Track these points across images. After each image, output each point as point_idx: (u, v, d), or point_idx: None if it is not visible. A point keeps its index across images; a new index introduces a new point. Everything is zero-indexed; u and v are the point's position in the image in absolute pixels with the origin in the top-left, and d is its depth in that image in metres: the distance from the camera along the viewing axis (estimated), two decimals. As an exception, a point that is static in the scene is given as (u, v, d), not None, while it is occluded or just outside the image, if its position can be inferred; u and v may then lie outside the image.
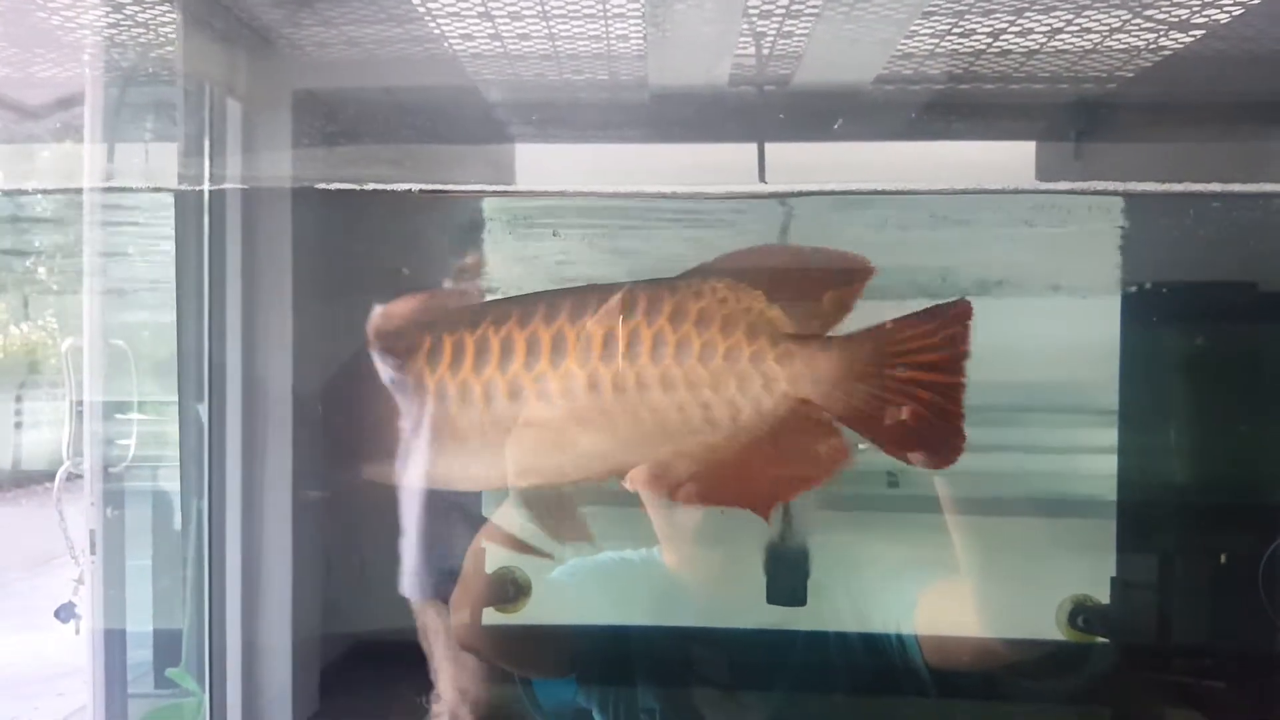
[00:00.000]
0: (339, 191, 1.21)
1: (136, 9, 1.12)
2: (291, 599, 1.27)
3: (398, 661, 1.30)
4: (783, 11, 0.98)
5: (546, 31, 1.12)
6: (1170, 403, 1.26)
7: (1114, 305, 1.19)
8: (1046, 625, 1.12)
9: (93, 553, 1.30)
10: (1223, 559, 1.23)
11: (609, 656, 1.23)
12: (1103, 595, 1.14)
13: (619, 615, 1.26)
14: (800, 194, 1.13)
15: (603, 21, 1.07)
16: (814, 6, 0.99)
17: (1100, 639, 1.12)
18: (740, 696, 1.22)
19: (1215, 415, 1.25)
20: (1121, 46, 1.10)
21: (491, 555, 1.29)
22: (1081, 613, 1.11)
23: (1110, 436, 1.20)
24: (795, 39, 1.06)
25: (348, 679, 1.38)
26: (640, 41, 1.10)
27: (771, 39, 1.07)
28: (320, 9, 1.12)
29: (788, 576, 1.07)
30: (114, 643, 1.32)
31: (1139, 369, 1.19)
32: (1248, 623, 1.23)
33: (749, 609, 1.14)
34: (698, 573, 1.14)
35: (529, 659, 1.24)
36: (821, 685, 1.19)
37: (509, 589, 1.23)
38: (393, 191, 1.19)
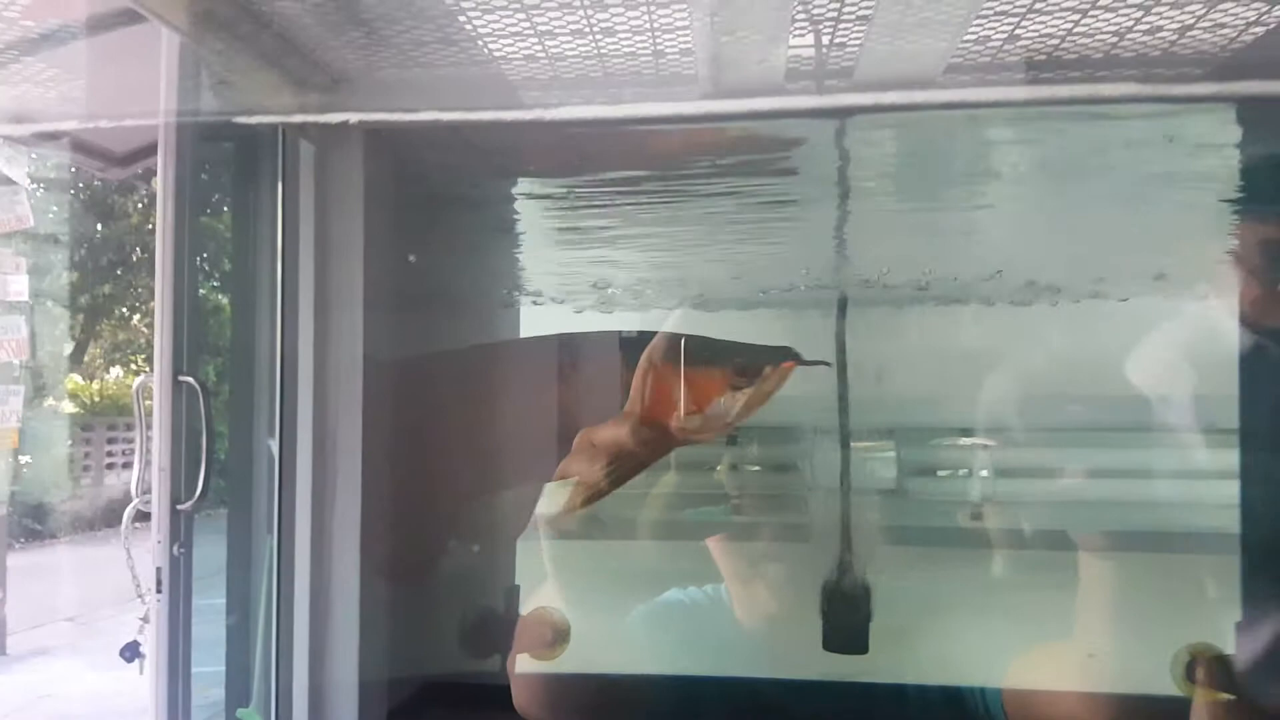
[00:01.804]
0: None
1: (210, 54, 1.14)
2: (359, 639, 1.25)
3: (464, 704, 1.26)
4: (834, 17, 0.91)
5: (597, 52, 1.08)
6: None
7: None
8: (1162, 679, 0.98)
9: (159, 591, 1.31)
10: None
11: (670, 707, 1.15)
12: (1226, 644, 0.99)
13: (685, 657, 1.18)
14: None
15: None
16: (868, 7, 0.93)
17: (1223, 694, 0.97)
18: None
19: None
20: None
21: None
22: (1200, 664, 0.96)
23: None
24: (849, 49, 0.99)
25: (415, 720, 1.34)
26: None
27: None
28: (392, 47, 1.12)
29: (846, 620, 0.95)
30: (178, 682, 1.32)
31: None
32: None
33: (811, 656, 1.04)
34: (763, 614, 1.06)
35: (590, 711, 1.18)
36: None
37: (547, 633, 1.18)
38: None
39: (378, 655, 1.30)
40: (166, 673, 1.30)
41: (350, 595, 1.25)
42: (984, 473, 1.11)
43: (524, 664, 1.27)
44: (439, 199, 1.37)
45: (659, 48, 1.08)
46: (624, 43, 1.06)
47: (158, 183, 1.26)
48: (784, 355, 0.97)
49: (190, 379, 1.33)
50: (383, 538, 1.29)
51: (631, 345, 1.07)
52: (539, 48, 1.09)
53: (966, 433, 1.09)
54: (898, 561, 1.03)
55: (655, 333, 1.04)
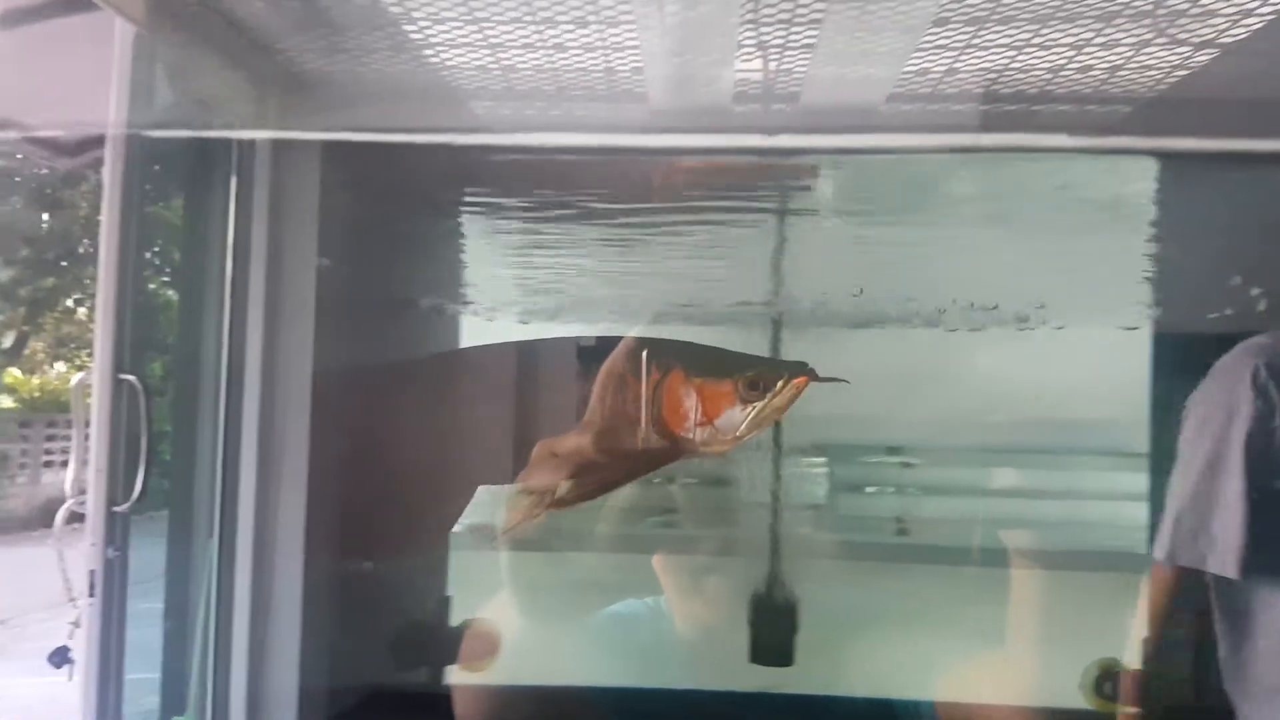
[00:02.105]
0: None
1: (166, 48, 1.13)
2: (300, 646, 1.24)
3: (404, 713, 1.26)
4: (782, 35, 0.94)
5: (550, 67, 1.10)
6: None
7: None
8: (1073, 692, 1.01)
9: (91, 594, 1.28)
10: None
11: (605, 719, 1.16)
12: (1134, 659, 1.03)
13: (626, 669, 1.20)
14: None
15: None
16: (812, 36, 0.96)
17: (1130, 708, 1.01)
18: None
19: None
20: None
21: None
22: (1109, 679, 1.00)
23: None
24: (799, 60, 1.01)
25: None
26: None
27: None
28: (343, 51, 1.12)
29: (772, 633, 0.98)
30: (109, 688, 1.29)
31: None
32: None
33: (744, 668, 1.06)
34: (698, 626, 1.08)
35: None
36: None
37: (479, 646, 1.18)
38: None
39: (319, 663, 1.28)
40: (97, 679, 1.27)
41: (293, 601, 1.24)
42: (911, 490, 1.15)
43: (456, 675, 1.26)
44: (396, 205, 1.37)
45: (610, 65, 1.10)
46: (575, 59, 1.08)
47: (105, 174, 1.24)
48: (798, 370, 0.93)
49: (131, 378, 1.31)
50: (328, 544, 1.28)
51: (591, 353, 1.05)
52: (491, 59, 1.10)
53: (895, 451, 1.12)
54: (826, 575, 1.06)
55: (619, 338, 1.02)
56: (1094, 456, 1.11)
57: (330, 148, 1.27)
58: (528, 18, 1.00)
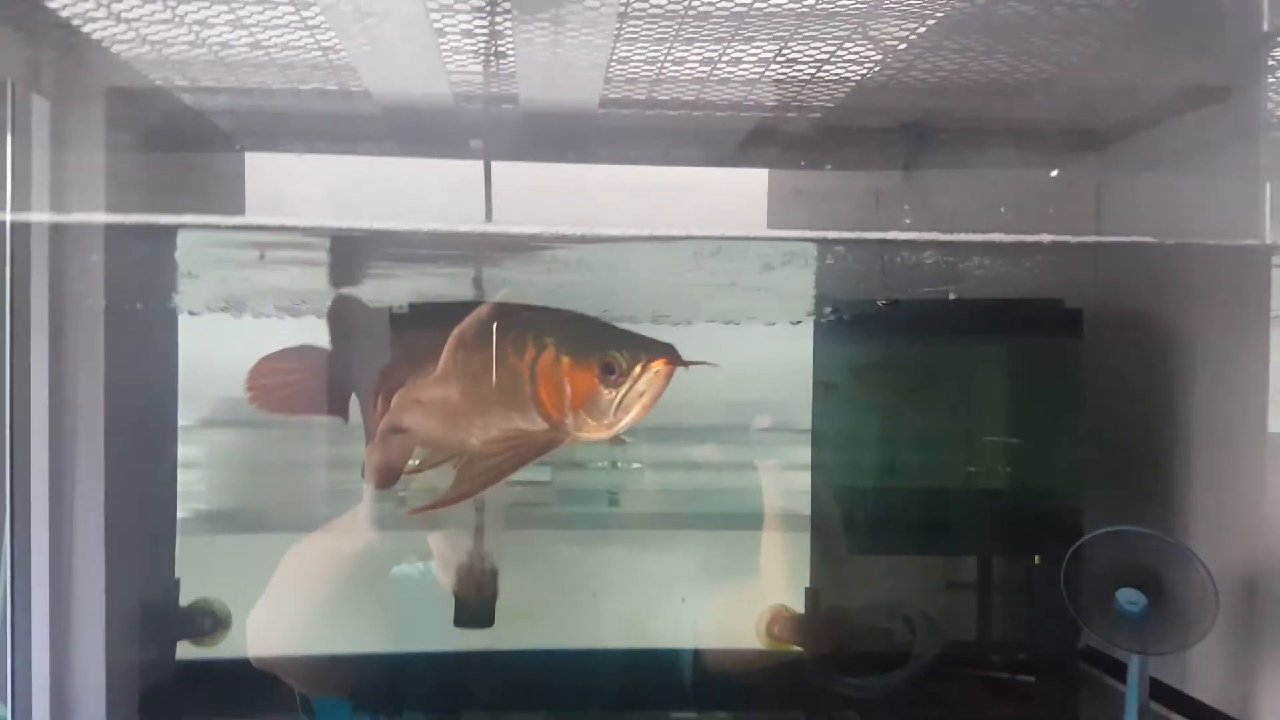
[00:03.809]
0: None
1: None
2: (105, 630, 1.20)
3: (216, 681, 1.26)
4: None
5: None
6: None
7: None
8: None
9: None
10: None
11: (384, 679, 1.22)
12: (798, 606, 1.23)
13: (409, 627, 1.23)
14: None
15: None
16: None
17: (792, 646, 1.20)
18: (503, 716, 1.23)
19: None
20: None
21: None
22: (777, 623, 1.18)
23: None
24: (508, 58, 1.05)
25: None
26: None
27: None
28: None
29: (473, 599, 1.06)
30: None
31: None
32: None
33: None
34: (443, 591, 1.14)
35: (310, 676, 1.19)
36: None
37: (205, 622, 1.19)
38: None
39: (127, 644, 1.26)
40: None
41: (94, 585, 1.21)
42: (621, 465, 1.27)
43: (186, 650, 1.28)
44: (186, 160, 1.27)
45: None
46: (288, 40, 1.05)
47: None
48: (660, 352, 0.86)
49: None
50: (127, 524, 1.24)
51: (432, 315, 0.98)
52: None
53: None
54: (539, 544, 1.15)
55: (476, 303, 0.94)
56: (770, 432, 1.29)
57: (117, 101, 1.16)
58: None
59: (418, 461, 0.94)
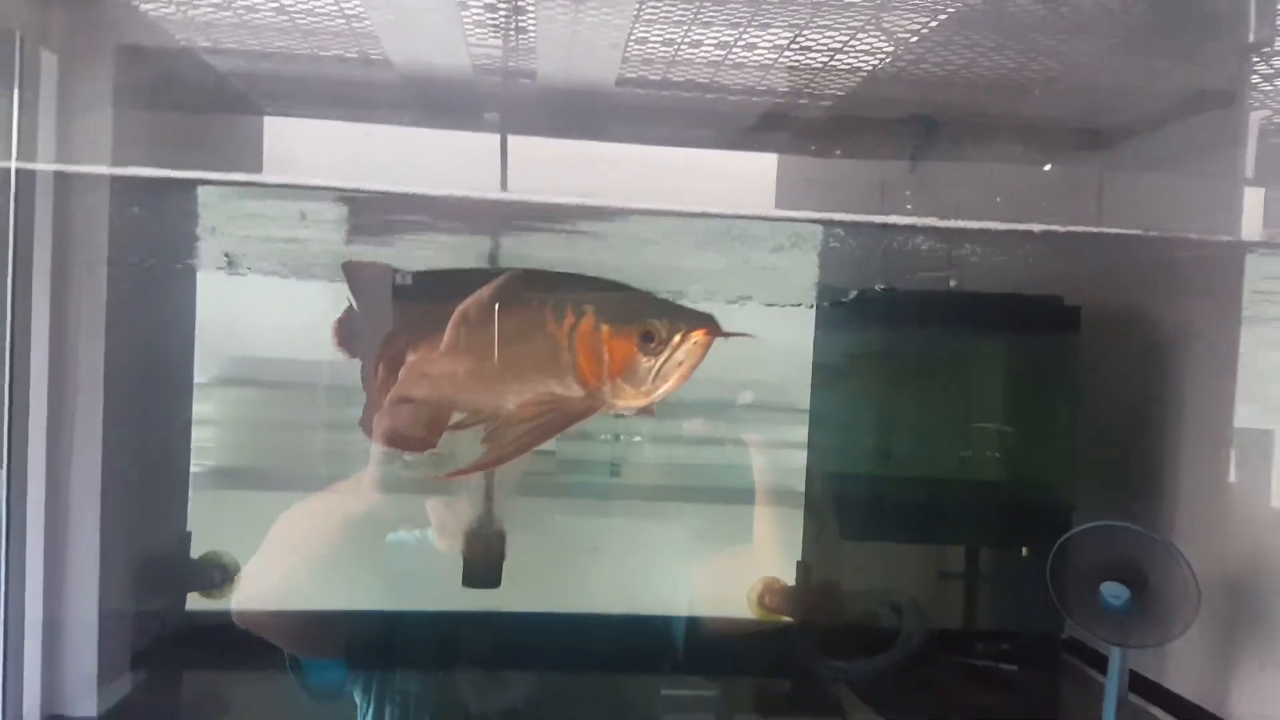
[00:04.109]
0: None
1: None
2: (99, 575, 1.21)
3: (209, 634, 1.27)
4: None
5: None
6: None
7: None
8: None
9: None
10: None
11: (376, 640, 1.23)
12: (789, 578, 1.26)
13: (401, 592, 1.26)
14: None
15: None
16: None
17: (783, 617, 1.22)
18: (497, 678, 1.25)
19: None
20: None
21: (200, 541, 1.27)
22: (769, 593, 1.21)
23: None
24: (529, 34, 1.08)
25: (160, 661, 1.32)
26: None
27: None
28: None
29: (481, 560, 1.09)
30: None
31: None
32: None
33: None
34: (444, 555, 1.16)
35: (300, 638, 1.21)
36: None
37: (215, 574, 1.21)
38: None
39: (120, 591, 1.27)
40: None
41: (90, 529, 1.21)
42: (623, 438, 1.29)
43: (195, 602, 1.29)
44: (196, 120, 1.29)
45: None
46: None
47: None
48: (699, 321, 0.86)
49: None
50: (124, 468, 1.24)
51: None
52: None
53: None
54: (537, 511, 1.18)
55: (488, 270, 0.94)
56: (768, 411, 1.32)
57: (126, 57, 1.17)
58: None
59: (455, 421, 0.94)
